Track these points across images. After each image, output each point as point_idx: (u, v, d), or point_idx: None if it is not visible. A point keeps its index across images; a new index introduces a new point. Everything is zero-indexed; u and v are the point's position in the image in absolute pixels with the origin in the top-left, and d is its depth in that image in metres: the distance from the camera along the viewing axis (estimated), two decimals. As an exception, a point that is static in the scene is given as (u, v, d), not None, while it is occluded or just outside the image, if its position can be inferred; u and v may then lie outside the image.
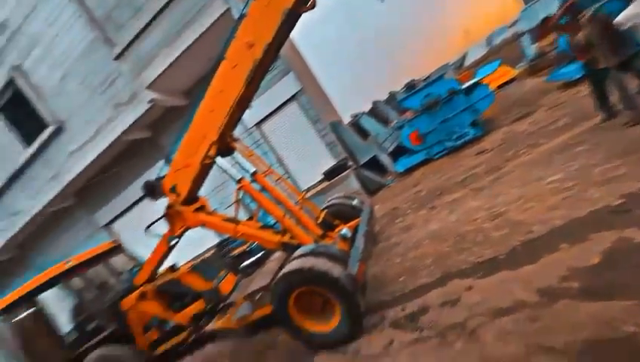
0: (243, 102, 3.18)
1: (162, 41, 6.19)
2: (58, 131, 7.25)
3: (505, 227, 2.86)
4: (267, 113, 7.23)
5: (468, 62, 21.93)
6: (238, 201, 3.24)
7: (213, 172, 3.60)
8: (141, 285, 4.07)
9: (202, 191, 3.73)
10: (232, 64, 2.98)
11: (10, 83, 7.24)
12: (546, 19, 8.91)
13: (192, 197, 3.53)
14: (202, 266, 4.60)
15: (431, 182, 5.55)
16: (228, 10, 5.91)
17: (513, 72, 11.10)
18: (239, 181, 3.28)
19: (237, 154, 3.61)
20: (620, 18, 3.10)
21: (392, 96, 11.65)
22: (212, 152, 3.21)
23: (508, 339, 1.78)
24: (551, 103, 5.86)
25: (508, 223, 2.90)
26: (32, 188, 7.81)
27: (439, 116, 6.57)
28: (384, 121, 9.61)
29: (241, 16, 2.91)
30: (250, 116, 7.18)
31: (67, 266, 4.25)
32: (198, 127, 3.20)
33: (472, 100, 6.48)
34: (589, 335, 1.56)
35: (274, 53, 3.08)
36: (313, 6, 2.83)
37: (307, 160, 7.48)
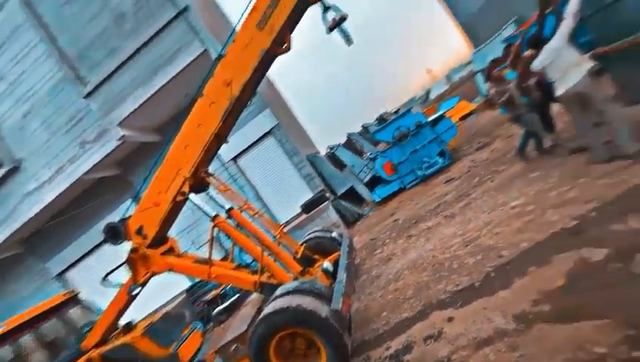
0: (220, 138, 3.20)
1: (137, 80, 6.21)
2: (14, 171, 6.71)
3: (478, 253, 2.96)
4: (244, 147, 7.26)
5: (432, 96, 24.03)
6: (212, 240, 3.10)
7: (185, 210, 3.46)
8: (89, 350, 3.50)
9: (172, 231, 3.53)
10: (209, 101, 3.04)
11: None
12: (493, 62, 10.17)
13: (160, 239, 3.31)
14: (161, 325, 4.02)
15: (407, 210, 5.70)
16: (205, 50, 6.14)
17: (471, 106, 12.27)
18: (214, 218, 3.16)
19: (212, 190, 3.53)
20: (536, 65, 3.27)
21: (365, 128, 12.27)
22: (185, 188, 3.11)
23: (492, 372, 1.75)
24: (506, 133, 6.47)
25: (480, 249, 3.00)
26: (-25, 235, 6.94)
27: (409, 147, 6.97)
28: (359, 152, 9.98)
29: (220, 57, 3.04)
30: (226, 151, 7.16)
31: (4, 329, 3.64)
32: (172, 163, 3.13)
33: (438, 132, 6.99)
34: (567, 360, 1.58)
35: (251, 90, 3.19)
36: (288, 49, 3.03)
37: (284, 193, 7.45)
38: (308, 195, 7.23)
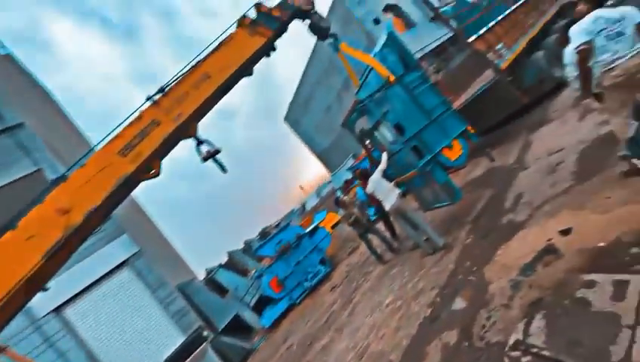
0: (34, 284, 2.27)
1: None
2: None
3: (372, 364, 2.90)
4: (77, 291, 5.31)
5: (308, 208, 27.14)
6: None
7: None
8: None
9: None
10: (25, 235, 2.27)
11: None
12: (346, 182, 13.16)
13: None
14: None
15: (299, 331, 5.27)
16: (39, 171, 4.99)
17: (338, 217, 14.57)
18: None
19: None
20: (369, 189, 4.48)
21: (247, 244, 11.92)
22: None
23: None
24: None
25: (372, 358, 2.98)
26: None
27: (293, 259, 7.11)
28: (243, 271, 9.26)
29: (60, 179, 2.51)
30: (43, 300, 4.99)
31: None
32: None
33: (316, 241, 7.63)
34: None
35: (100, 218, 2.66)
36: (157, 174, 2.88)
37: (140, 346, 5.47)
38: (178, 340, 5.58)
